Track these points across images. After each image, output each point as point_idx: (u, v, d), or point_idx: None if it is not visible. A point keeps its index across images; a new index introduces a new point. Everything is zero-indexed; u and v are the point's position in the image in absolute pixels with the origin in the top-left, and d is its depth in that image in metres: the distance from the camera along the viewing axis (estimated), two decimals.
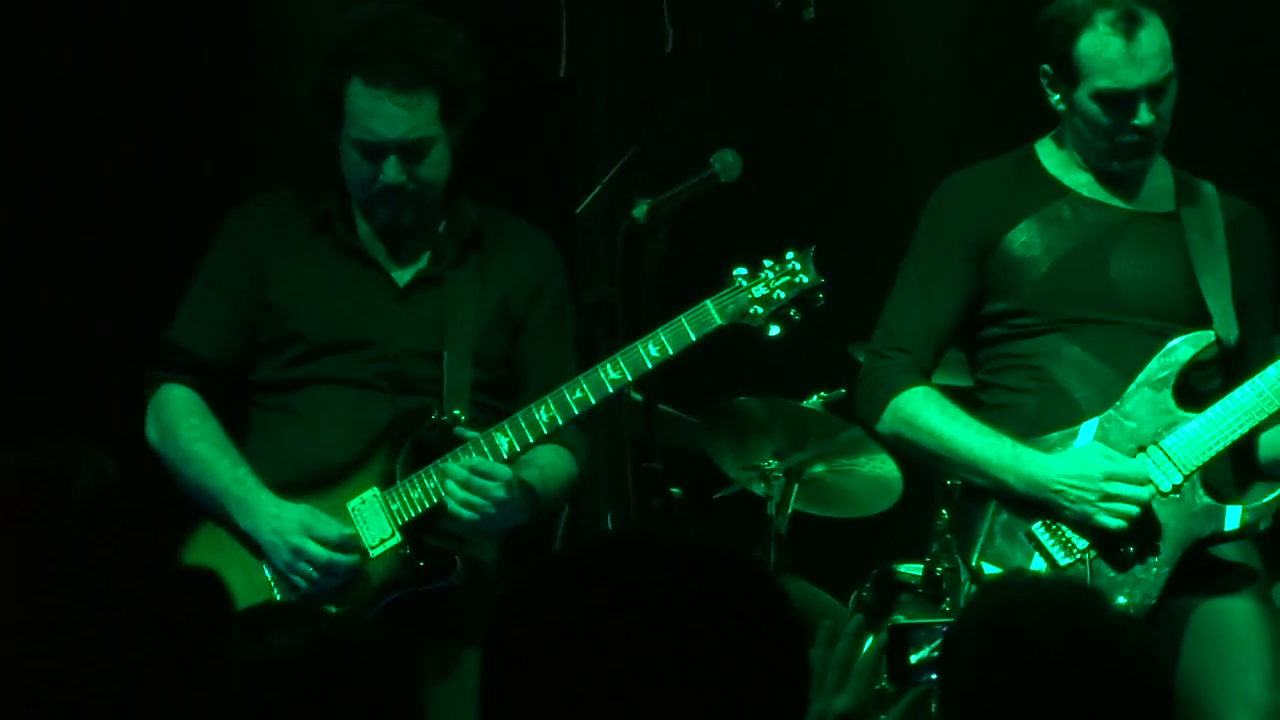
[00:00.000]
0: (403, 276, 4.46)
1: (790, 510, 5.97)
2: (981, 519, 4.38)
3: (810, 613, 6.01)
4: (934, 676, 2.91)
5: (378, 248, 4.47)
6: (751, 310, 4.23)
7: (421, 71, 4.29)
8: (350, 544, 4.30)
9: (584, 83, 6.51)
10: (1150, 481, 4.29)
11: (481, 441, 4.25)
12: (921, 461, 4.58)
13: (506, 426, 4.25)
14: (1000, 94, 6.86)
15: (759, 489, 6.00)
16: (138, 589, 1.82)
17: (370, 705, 2.51)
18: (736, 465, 6.08)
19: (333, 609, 4.20)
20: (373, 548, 4.31)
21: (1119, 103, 4.35)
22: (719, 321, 4.22)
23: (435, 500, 4.29)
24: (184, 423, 4.42)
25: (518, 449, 4.25)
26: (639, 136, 4.54)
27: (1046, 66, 4.43)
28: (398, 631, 4.07)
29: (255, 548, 4.32)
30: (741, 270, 4.26)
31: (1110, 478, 4.26)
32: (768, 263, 4.27)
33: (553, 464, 4.40)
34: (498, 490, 4.21)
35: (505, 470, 4.23)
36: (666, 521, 4.37)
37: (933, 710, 4.53)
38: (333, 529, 4.29)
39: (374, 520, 4.32)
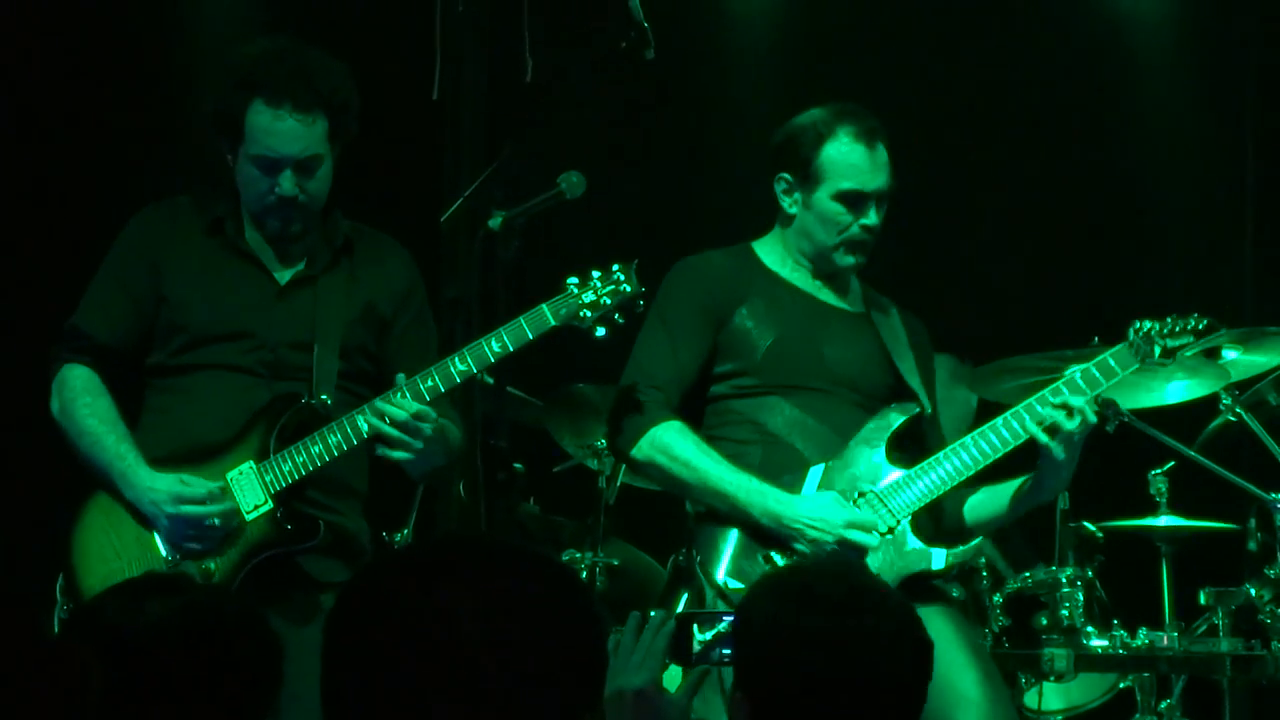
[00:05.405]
0: (283, 276, 4.69)
1: (619, 483, 6.32)
2: (723, 540, 4.67)
3: (633, 571, 6.36)
4: (724, 653, 3.07)
5: (263, 250, 4.69)
6: (581, 314, 4.48)
7: (315, 96, 4.53)
8: (218, 497, 4.52)
9: (452, 106, 6.82)
10: (877, 531, 4.62)
11: (405, 387, 4.49)
12: (670, 488, 4.80)
13: (434, 373, 4.49)
14: None
15: (592, 464, 6.37)
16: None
17: (233, 664, 2.61)
18: (574, 443, 6.48)
19: (212, 565, 4.52)
20: (248, 512, 4.55)
21: (856, 201, 4.77)
22: (553, 323, 4.46)
23: (304, 473, 4.55)
24: (80, 400, 4.63)
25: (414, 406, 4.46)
26: (498, 155, 4.73)
27: (786, 174, 4.82)
28: (261, 594, 4.37)
29: (141, 516, 4.55)
30: (574, 280, 4.50)
31: (850, 525, 4.61)
32: (596, 273, 4.50)
33: (448, 425, 4.63)
34: (429, 429, 4.47)
35: (434, 413, 4.49)
36: (508, 493, 4.66)
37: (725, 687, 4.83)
38: (200, 488, 4.51)
39: (250, 489, 4.56)
